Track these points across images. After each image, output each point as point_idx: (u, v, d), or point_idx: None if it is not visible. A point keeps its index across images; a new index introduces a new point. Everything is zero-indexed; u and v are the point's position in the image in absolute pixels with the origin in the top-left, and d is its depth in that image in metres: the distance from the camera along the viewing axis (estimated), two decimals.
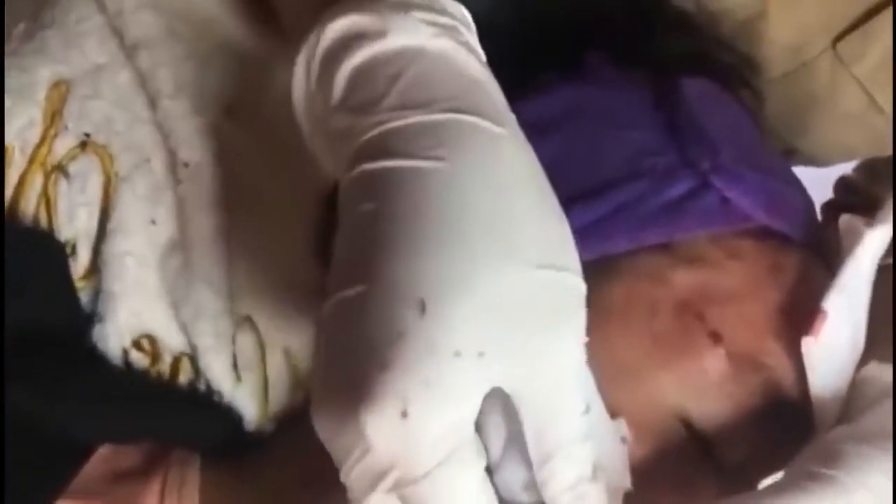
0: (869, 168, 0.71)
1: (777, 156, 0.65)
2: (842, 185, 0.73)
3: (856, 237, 0.56)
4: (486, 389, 0.43)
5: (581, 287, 0.46)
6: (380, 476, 0.43)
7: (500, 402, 0.44)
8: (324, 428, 0.44)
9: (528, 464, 0.45)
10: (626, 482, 0.48)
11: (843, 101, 0.68)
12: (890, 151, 0.59)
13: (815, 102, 0.68)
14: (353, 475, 0.44)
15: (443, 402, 0.42)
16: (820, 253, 0.59)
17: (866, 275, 0.57)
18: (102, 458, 0.59)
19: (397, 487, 0.43)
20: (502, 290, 0.44)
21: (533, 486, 0.45)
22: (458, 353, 0.43)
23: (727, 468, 0.56)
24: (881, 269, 0.59)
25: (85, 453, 0.58)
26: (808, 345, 0.54)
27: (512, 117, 0.49)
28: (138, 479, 0.60)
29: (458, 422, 0.43)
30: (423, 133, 0.47)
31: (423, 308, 0.43)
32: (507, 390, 0.44)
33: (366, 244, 0.45)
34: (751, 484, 0.57)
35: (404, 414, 0.42)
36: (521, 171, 0.48)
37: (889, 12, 0.65)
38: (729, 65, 0.67)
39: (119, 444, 0.61)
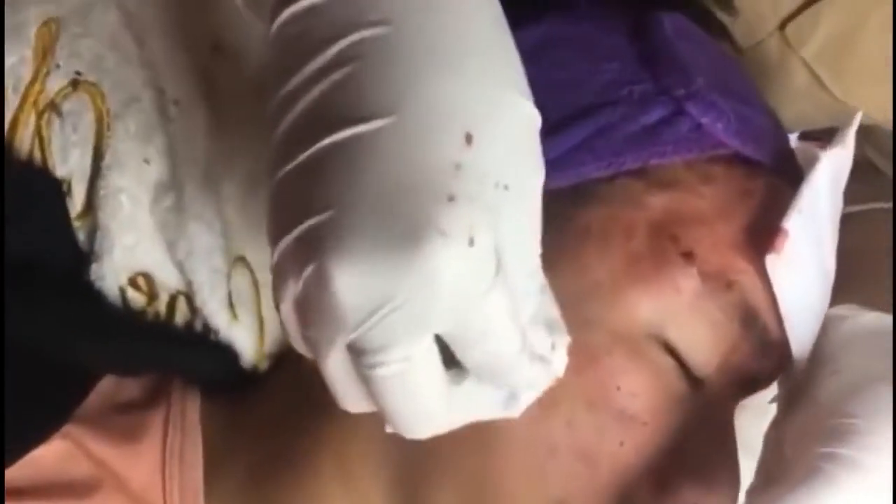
0: None
1: (753, 86, 0.66)
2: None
3: (812, 160, 0.58)
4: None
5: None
6: (430, 311, 0.42)
7: None
8: (356, 277, 0.41)
9: None
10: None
11: (794, 80, 0.70)
12: (846, 123, 0.61)
13: (768, 79, 0.70)
14: (386, 322, 0.42)
15: (492, 227, 0.42)
16: (791, 180, 0.60)
17: (824, 196, 0.59)
18: (104, 389, 0.60)
19: (445, 316, 0.42)
20: (522, 126, 0.44)
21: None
22: (497, 184, 0.43)
23: (705, 390, 0.57)
24: (848, 218, 0.62)
25: (88, 383, 0.59)
26: (773, 262, 0.56)
27: None
28: (140, 410, 0.61)
29: (499, 248, 0.43)
30: None
31: (469, 139, 0.42)
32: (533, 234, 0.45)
33: (378, 72, 0.43)
34: (727, 407, 0.59)
35: (471, 241, 0.41)
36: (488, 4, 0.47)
37: None
38: (708, 12, 0.68)
39: (121, 375, 0.62)
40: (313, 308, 0.43)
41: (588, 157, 0.57)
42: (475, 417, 0.47)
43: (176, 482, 0.59)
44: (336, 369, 0.44)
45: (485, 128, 0.43)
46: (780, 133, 0.64)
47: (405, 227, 0.41)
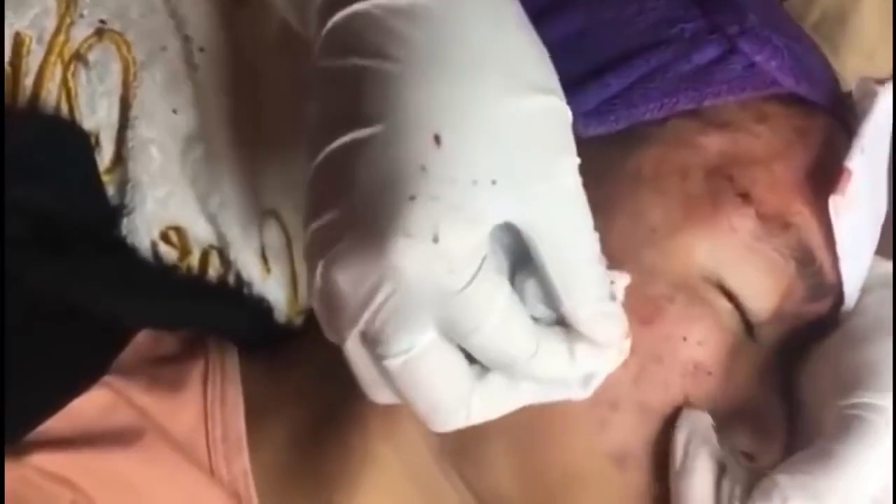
0: None
1: (797, 23, 0.64)
2: None
3: (871, 97, 0.56)
4: (500, 216, 0.44)
5: (567, 111, 0.47)
6: (414, 307, 0.44)
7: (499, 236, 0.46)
8: (348, 273, 0.44)
9: (540, 289, 0.46)
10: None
11: None
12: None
13: None
14: (381, 316, 0.44)
15: (469, 224, 0.43)
16: (843, 119, 0.58)
17: (885, 133, 0.57)
18: (142, 343, 0.59)
19: (433, 311, 0.44)
20: (505, 116, 0.45)
21: (548, 305, 0.46)
22: (475, 182, 0.44)
23: (759, 337, 0.55)
24: None
25: (125, 336, 0.58)
26: (836, 203, 0.54)
27: None
28: (178, 364, 0.60)
29: (481, 243, 0.44)
30: None
31: (438, 141, 0.44)
32: (520, 218, 0.45)
33: (368, 87, 0.45)
34: (781, 351, 0.57)
35: (435, 238, 0.43)
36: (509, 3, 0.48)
37: None
38: None
39: (157, 329, 0.60)
40: (326, 300, 0.45)
41: (639, 100, 0.55)
42: (519, 404, 0.48)
43: (219, 430, 0.58)
44: (357, 360, 0.46)
45: (457, 128, 0.44)
46: (831, 72, 0.62)
47: (374, 227, 0.43)
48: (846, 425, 0.51)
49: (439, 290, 0.43)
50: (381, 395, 0.47)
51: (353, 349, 0.46)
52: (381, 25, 0.45)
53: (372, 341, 0.45)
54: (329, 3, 0.47)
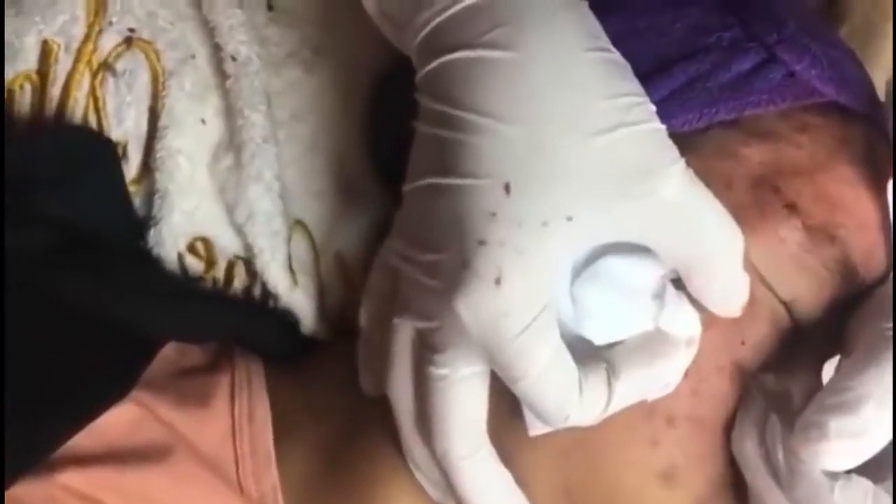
0: None
1: (833, 28, 0.62)
2: None
3: None
4: (578, 248, 0.48)
5: (659, 126, 0.49)
6: (465, 340, 0.47)
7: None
8: (415, 299, 0.49)
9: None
10: None
11: None
12: None
13: None
14: (437, 335, 0.48)
15: (530, 269, 0.46)
16: (880, 126, 0.56)
17: None
18: (167, 355, 0.58)
19: (483, 350, 0.47)
20: (575, 158, 0.47)
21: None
22: (545, 223, 0.46)
23: (805, 334, 0.54)
24: None
25: (151, 349, 0.57)
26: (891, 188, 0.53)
27: None
28: (205, 377, 0.59)
29: (542, 288, 0.47)
30: (480, 16, 0.49)
31: (508, 189, 0.46)
32: (620, 237, 0.48)
33: (448, 141, 0.48)
34: (823, 358, 0.55)
35: (498, 281, 0.46)
36: (580, 39, 0.49)
37: None
38: None
39: (184, 341, 0.59)
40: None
41: (678, 110, 0.54)
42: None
43: (247, 445, 0.57)
44: (397, 343, 0.51)
45: (525, 175, 0.47)
46: (868, 79, 0.60)
47: (446, 268, 0.47)
48: (869, 344, 0.50)
49: (493, 333, 0.46)
50: (397, 389, 0.51)
51: (403, 337, 0.50)
52: (464, 76, 0.48)
53: (423, 345, 0.49)
54: (426, 44, 0.50)
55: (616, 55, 0.50)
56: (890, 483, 0.49)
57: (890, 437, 0.47)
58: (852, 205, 0.54)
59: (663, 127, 0.49)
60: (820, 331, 0.54)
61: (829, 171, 0.54)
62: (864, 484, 0.48)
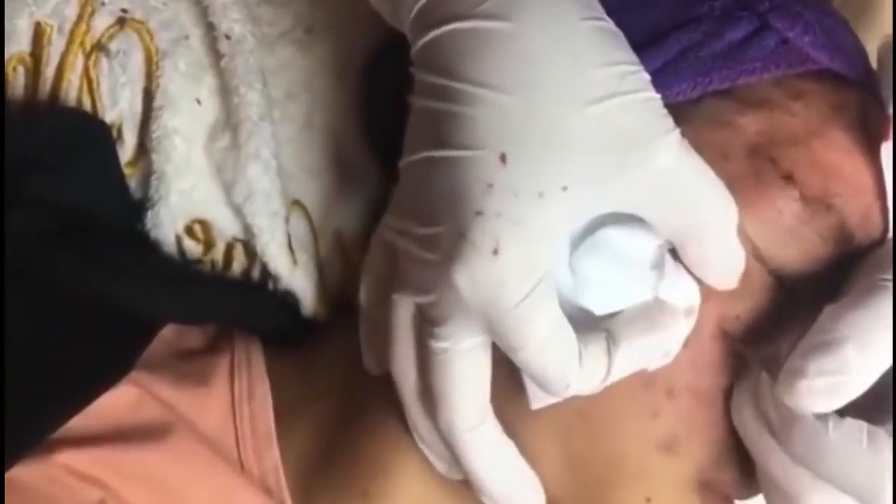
0: None
1: None
2: None
3: None
4: (575, 219, 0.48)
5: (653, 95, 0.48)
6: (465, 312, 0.47)
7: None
8: (413, 274, 0.49)
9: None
10: None
11: None
12: None
13: None
14: (436, 308, 0.48)
15: (528, 240, 0.46)
16: (873, 91, 0.56)
17: None
18: (166, 337, 0.58)
19: (482, 321, 0.47)
20: (570, 127, 0.47)
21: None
22: (541, 194, 0.46)
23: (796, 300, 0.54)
24: None
25: (150, 331, 0.57)
26: (887, 150, 0.53)
27: None
28: (204, 357, 0.58)
29: (540, 259, 0.46)
30: None
31: (504, 159, 0.46)
32: (616, 208, 0.48)
33: (442, 112, 0.48)
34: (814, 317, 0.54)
35: (495, 251, 0.45)
36: (574, 8, 0.49)
37: None
38: None
39: (182, 323, 0.59)
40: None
41: (672, 80, 0.53)
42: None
43: (247, 424, 0.56)
44: (398, 319, 0.51)
45: (520, 145, 0.47)
46: (860, 45, 0.60)
47: (444, 239, 0.47)
48: (865, 291, 0.49)
49: (491, 303, 0.46)
50: (399, 362, 0.51)
51: (403, 314, 0.50)
52: (459, 47, 0.48)
53: (423, 316, 0.49)
54: (420, 17, 0.50)
55: (610, 24, 0.49)
56: (889, 427, 0.48)
57: (871, 380, 0.47)
58: (847, 171, 0.53)
59: (658, 96, 0.48)
60: (812, 293, 0.53)
61: (823, 137, 0.54)
62: (857, 423, 0.48)
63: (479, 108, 0.47)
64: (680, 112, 0.52)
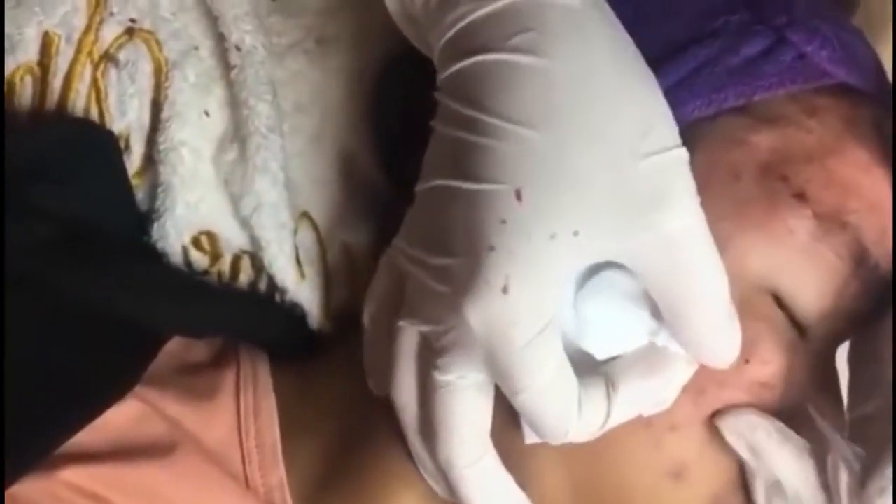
0: None
1: (839, 8, 0.61)
2: None
3: None
4: (581, 264, 0.47)
5: (682, 154, 0.47)
6: (471, 347, 0.46)
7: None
8: (422, 303, 0.48)
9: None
10: None
11: None
12: None
13: None
14: (443, 340, 0.47)
15: (538, 280, 0.45)
16: (887, 104, 0.55)
17: None
18: (172, 350, 0.57)
19: (486, 359, 0.46)
20: (596, 175, 0.46)
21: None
22: (553, 236, 0.45)
23: (809, 336, 0.53)
24: None
25: (155, 344, 0.56)
26: None
27: None
28: (210, 372, 0.58)
29: (549, 300, 0.46)
30: (505, 20, 0.47)
31: (520, 196, 0.45)
32: (630, 265, 0.47)
33: (463, 144, 0.47)
34: (831, 351, 0.54)
35: (505, 289, 0.45)
36: (607, 47, 0.48)
37: None
38: None
39: (188, 337, 0.58)
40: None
41: (686, 96, 0.52)
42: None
43: (253, 440, 0.56)
44: (402, 346, 0.50)
45: (538, 185, 0.46)
46: (877, 59, 0.59)
47: (455, 271, 0.47)
48: None
49: (501, 341, 0.45)
50: (400, 390, 0.50)
51: (408, 340, 0.49)
52: (487, 79, 0.47)
53: (429, 349, 0.48)
54: (450, 46, 0.49)
55: (639, 60, 0.48)
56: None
57: None
58: (863, 187, 0.52)
59: (683, 150, 0.47)
60: (830, 319, 0.53)
61: (839, 153, 0.53)
62: None
63: (501, 141, 0.46)
64: (693, 131, 0.51)
